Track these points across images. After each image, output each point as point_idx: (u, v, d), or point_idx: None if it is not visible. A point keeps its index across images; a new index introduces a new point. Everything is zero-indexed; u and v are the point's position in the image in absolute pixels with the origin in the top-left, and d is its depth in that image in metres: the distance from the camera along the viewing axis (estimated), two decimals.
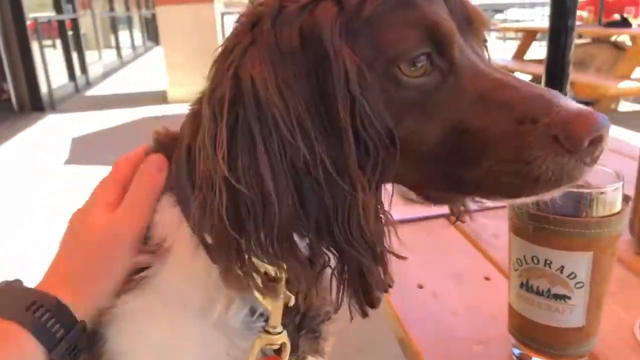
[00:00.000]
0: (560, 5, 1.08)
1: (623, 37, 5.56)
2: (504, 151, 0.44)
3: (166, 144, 0.58)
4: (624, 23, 5.27)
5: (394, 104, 0.45)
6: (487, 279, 0.79)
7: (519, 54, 6.59)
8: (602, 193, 0.52)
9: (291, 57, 0.44)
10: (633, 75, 5.05)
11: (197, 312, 0.54)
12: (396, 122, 0.46)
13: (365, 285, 0.47)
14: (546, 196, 0.46)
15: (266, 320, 0.56)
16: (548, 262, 0.53)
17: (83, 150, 4.50)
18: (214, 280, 0.53)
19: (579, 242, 0.51)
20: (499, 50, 9.89)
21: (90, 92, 7.76)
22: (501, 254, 0.84)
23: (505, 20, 13.42)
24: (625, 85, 4.63)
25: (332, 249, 0.46)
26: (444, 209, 1.01)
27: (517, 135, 0.44)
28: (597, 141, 0.43)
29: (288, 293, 0.54)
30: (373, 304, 0.49)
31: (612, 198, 0.52)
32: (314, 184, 0.43)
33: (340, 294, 0.48)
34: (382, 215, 0.49)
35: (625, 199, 0.54)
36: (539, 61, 6.49)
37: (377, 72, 0.45)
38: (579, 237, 0.51)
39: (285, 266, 0.46)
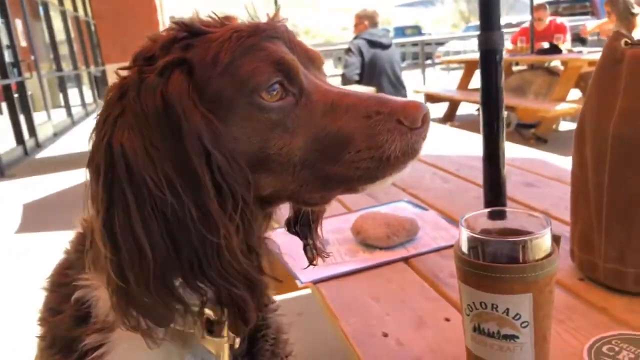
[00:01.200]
0: (487, 46, 1.18)
1: (555, 62, 5.93)
2: (360, 142, 0.56)
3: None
4: (554, 50, 5.64)
5: (262, 127, 0.56)
6: (447, 319, 0.83)
7: (463, 84, 6.89)
8: (534, 239, 0.57)
9: (155, 122, 0.51)
10: (569, 97, 5.38)
11: None
12: (266, 142, 0.56)
13: (241, 313, 0.54)
14: (396, 174, 0.58)
15: None
16: (494, 306, 0.58)
17: (35, 217, 4.36)
18: (164, 345, 0.58)
19: (518, 286, 0.56)
20: (443, 81, 10.32)
21: (40, 155, 7.56)
22: (459, 294, 0.89)
23: (447, 53, 14.03)
24: (562, 107, 4.92)
25: (206, 283, 0.52)
26: (401, 254, 1.07)
27: (367, 127, 0.56)
28: (425, 119, 0.57)
29: (231, 334, 0.60)
30: (247, 323, 0.55)
31: (542, 242, 0.58)
32: (184, 230, 0.50)
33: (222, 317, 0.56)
34: (254, 248, 0.55)
35: (556, 240, 0.60)
36: None
37: (242, 105, 0.55)
38: (518, 281, 0.56)
39: (165, 308, 0.52)
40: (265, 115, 0.56)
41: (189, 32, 0.57)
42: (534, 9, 6.34)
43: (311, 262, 0.73)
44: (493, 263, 0.57)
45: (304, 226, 0.72)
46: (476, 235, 0.59)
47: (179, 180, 0.50)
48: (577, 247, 0.91)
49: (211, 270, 0.51)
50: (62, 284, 0.64)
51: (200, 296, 0.53)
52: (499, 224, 0.65)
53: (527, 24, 6.53)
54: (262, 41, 0.57)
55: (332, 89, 0.60)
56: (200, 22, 0.59)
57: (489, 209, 0.66)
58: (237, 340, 0.61)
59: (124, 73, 0.56)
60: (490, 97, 1.20)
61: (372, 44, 5.12)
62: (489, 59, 1.20)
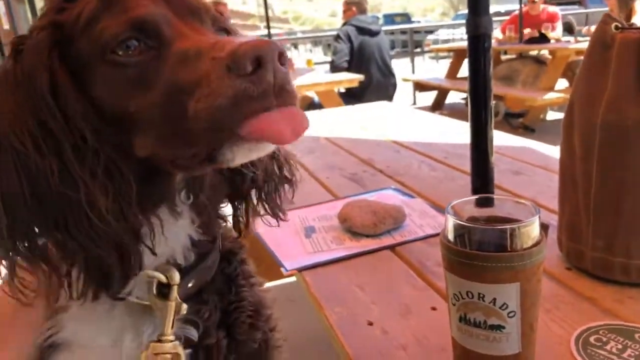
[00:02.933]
0: (476, 31, 1.16)
1: (543, 51, 5.94)
2: (198, 95, 0.47)
3: None
4: (543, 39, 5.64)
5: (119, 85, 0.52)
6: (433, 309, 0.82)
7: (452, 73, 6.87)
8: (522, 227, 0.56)
9: (23, 79, 0.51)
10: (557, 87, 5.39)
11: (108, 347, 0.58)
12: (128, 101, 0.51)
13: (103, 274, 0.53)
14: (245, 133, 0.46)
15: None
16: (481, 295, 0.56)
17: None
18: (118, 316, 0.58)
19: (506, 274, 0.55)
20: (432, 70, 10.30)
21: None
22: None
23: (437, 41, 14.00)
24: (550, 96, 4.93)
25: (71, 242, 0.50)
26: (388, 242, 1.05)
27: (204, 75, 0.47)
28: (263, 62, 0.45)
29: (179, 300, 0.58)
30: (110, 291, 0.55)
31: (530, 231, 0.56)
32: (48, 184, 0.49)
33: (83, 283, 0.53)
34: (129, 211, 0.52)
35: (544, 228, 0.59)
36: None
37: (96, 64, 0.52)
38: (505, 270, 0.55)
39: (29, 266, 0.51)
40: (122, 72, 0.52)
41: None
42: None
43: (240, 234, 0.71)
44: (480, 251, 0.56)
45: (233, 197, 0.68)
46: (462, 223, 0.58)
47: (41, 136, 0.49)
48: (564, 236, 0.90)
49: (75, 228, 0.50)
50: None
51: (64, 256, 0.51)
52: (486, 212, 0.64)
53: (517, 12, 6.51)
54: None
55: (198, 36, 0.53)
56: None
57: (476, 196, 0.64)
58: (184, 307, 0.59)
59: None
60: (479, 85, 1.19)
61: (361, 30, 5.08)
62: (477, 45, 1.18)
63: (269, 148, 0.52)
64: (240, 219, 0.69)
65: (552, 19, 6.30)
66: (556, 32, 6.01)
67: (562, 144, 0.90)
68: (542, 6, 6.34)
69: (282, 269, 0.98)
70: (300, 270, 0.97)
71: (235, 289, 0.67)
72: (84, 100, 0.52)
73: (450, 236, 0.59)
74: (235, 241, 0.71)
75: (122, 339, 0.58)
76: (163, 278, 0.58)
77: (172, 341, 0.58)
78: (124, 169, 0.52)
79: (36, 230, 0.51)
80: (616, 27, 0.81)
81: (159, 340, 0.57)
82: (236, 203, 0.69)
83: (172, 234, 0.58)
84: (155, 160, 0.53)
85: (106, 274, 0.52)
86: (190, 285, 0.61)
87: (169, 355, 0.57)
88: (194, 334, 0.61)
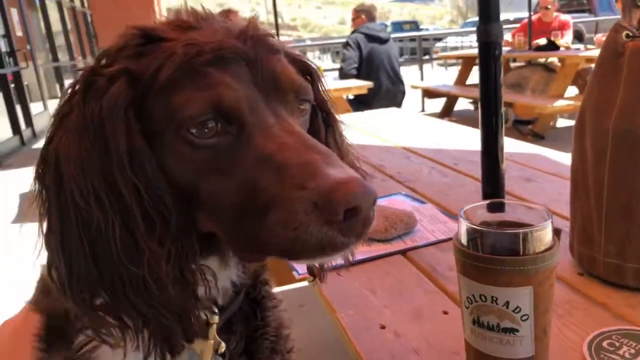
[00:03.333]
0: (486, 38, 1.17)
1: (552, 58, 5.92)
2: (278, 214, 0.45)
3: None
4: (552, 46, 5.63)
5: (190, 164, 0.49)
6: (445, 313, 0.82)
7: (460, 80, 6.88)
8: (535, 231, 0.56)
9: (95, 132, 0.47)
10: (566, 94, 5.38)
11: None
12: (197, 181, 0.49)
13: (167, 338, 0.52)
14: (320, 262, 0.53)
15: None
16: (494, 298, 0.57)
17: (32, 206, 4.34)
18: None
19: (519, 278, 0.56)
20: (441, 77, 10.30)
21: (37, 145, 7.53)
22: (457, 287, 0.88)
23: (445, 49, 14.00)
24: (559, 103, 4.92)
25: (130, 310, 0.48)
26: (399, 246, 1.06)
27: (288, 199, 0.45)
28: (356, 212, 0.43)
29: (218, 338, 0.59)
30: (173, 351, 0.55)
31: (544, 235, 0.57)
32: (108, 245, 0.47)
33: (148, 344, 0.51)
34: (187, 276, 0.50)
35: (557, 232, 0.59)
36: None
37: (169, 135, 0.49)
38: (518, 274, 0.56)
39: (89, 320, 0.51)
40: (195, 152, 0.49)
41: (144, 38, 0.52)
42: (541, 2, 6.32)
43: (314, 277, 0.70)
44: (493, 255, 0.56)
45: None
46: (476, 227, 0.59)
47: (107, 196, 0.47)
48: (576, 242, 0.91)
49: (136, 296, 0.48)
50: None
51: (123, 324, 0.50)
52: (498, 216, 0.65)
53: (534, 17, 6.48)
54: (208, 66, 0.49)
55: (280, 135, 0.49)
56: (170, 23, 0.54)
57: (488, 201, 0.65)
58: (222, 345, 0.60)
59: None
60: (489, 92, 1.19)
61: (370, 38, 5.10)
62: (488, 52, 1.19)
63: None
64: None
65: (563, 27, 6.29)
66: (565, 39, 5.99)
67: (574, 150, 0.91)
68: (554, 14, 6.33)
69: (295, 273, 0.99)
70: None
71: (260, 313, 0.68)
72: (157, 168, 0.49)
73: (464, 240, 0.60)
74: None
75: None
76: (204, 318, 0.58)
77: None
78: (190, 237, 0.51)
79: (89, 287, 0.49)
80: (627, 36, 0.82)
81: None
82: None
83: (219, 282, 0.57)
84: (215, 237, 0.54)
85: (167, 337, 0.52)
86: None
87: None
88: None
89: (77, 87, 0.51)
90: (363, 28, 5.13)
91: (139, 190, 0.48)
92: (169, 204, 0.49)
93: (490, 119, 1.20)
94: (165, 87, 0.49)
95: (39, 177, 0.50)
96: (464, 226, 0.60)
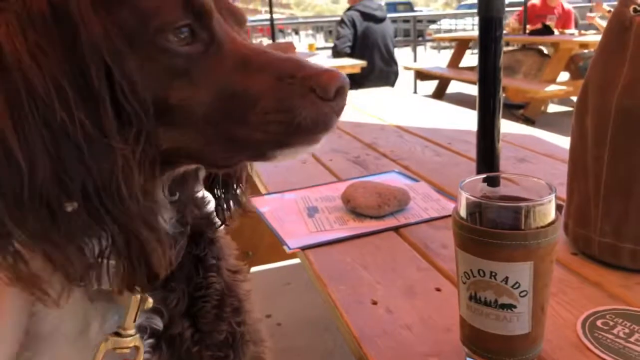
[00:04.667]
0: (488, 18, 1.14)
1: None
2: (268, 103, 0.50)
3: None
4: (547, 31, 5.60)
5: (163, 72, 0.49)
6: (438, 289, 0.81)
7: (454, 63, 6.84)
8: (537, 205, 0.55)
9: (42, 25, 0.44)
10: (558, 79, 5.37)
11: (74, 336, 0.54)
12: (167, 90, 0.49)
13: (144, 259, 0.47)
14: (308, 145, 0.53)
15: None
16: (493, 274, 0.55)
17: None
18: (80, 303, 0.53)
19: (520, 253, 0.54)
20: (434, 59, 10.25)
21: None
22: (450, 265, 0.87)
23: (439, 31, 13.92)
24: (551, 88, 4.91)
25: (105, 218, 0.44)
26: (392, 223, 1.04)
27: (279, 89, 0.51)
28: (341, 92, 0.52)
29: (143, 293, 0.54)
30: (153, 276, 0.49)
31: (546, 209, 0.55)
32: (75, 148, 0.43)
33: (119, 272, 0.47)
34: (151, 192, 0.49)
35: (559, 208, 0.58)
36: (472, 68, 6.77)
37: (143, 43, 0.47)
38: (519, 248, 0.54)
39: (36, 238, 0.43)
40: (169, 59, 0.49)
41: None
42: None
43: (223, 222, 0.68)
44: (495, 229, 0.54)
45: (217, 186, 0.67)
46: (477, 199, 0.57)
47: (72, 90, 0.43)
48: (572, 221, 0.90)
49: (109, 203, 0.44)
50: None
51: (98, 237, 0.45)
52: (497, 191, 0.63)
53: (536, 0, 6.42)
54: None
55: (248, 44, 0.54)
56: None
57: (488, 174, 0.63)
58: (150, 300, 0.55)
59: None
60: (488, 72, 1.17)
61: (366, 16, 5.02)
62: (489, 29, 1.16)
63: (309, 151, 0.55)
64: (224, 207, 0.67)
65: (566, 14, 6.26)
66: (572, 30, 5.96)
67: (574, 127, 0.89)
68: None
69: (285, 247, 0.97)
70: (304, 249, 0.95)
71: (202, 272, 0.63)
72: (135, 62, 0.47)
73: (463, 213, 0.58)
74: (207, 219, 0.66)
75: (87, 328, 0.54)
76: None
77: (132, 335, 0.55)
78: (156, 150, 0.48)
79: (60, 196, 0.43)
80: (635, 10, 0.79)
81: (119, 334, 0.54)
82: (216, 192, 0.67)
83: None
84: (174, 154, 0.51)
85: (145, 255, 0.47)
86: None
87: (127, 350, 0.54)
88: (158, 323, 0.58)
89: None
90: (359, 5, 5.04)
91: (112, 81, 0.45)
92: (148, 100, 0.47)
93: (488, 100, 1.17)
94: None
95: None
96: (464, 199, 0.58)
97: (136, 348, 0.55)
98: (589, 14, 5.95)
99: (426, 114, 2.20)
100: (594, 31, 5.88)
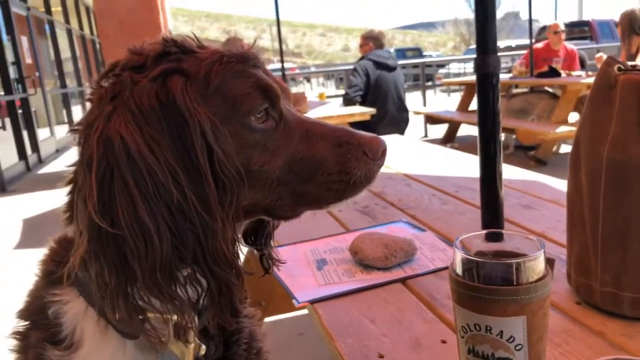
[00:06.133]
0: (484, 69, 1.20)
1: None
2: (331, 166, 0.66)
3: (59, 246, 0.66)
4: (553, 73, 5.69)
5: (247, 146, 0.61)
6: (443, 342, 0.83)
7: (463, 106, 6.93)
8: (527, 261, 0.58)
9: (152, 118, 0.54)
10: (570, 120, 5.41)
11: None
12: (250, 159, 0.61)
13: (230, 300, 0.57)
14: (356, 196, 0.68)
15: None
16: (488, 328, 0.58)
17: (34, 232, 4.35)
18: (130, 353, 0.60)
19: (512, 308, 0.57)
20: (444, 103, 10.39)
21: (42, 170, 7.59)
22: None
23: (448, 75, 14.14)
24: (561, 129, 4.95)
25: (206, 273, 0.55)
26: (399, 275, 1.07)
27: (339, 154, 0.66)
28: (384, 153, 0.69)
29: (198, 341, 0.62)
30: (237, 314, 0.59)
31: (536, 265, 0.58)
32: (187, 221, 0.53)
33: (211, 314, 0.57)
34: (237, 240, 0.61)
35: (549, 262, 0.61)
36: None
37: (233, 123, 0.60)
38: (511, 303, 0.57)
39: (168, 300, 0.53)
40: (252, 135, 0.62)
41: (179, 49, 0.61)
42: (551, 27, 6.41)
43: (267, 271, 0.78)
44: (487, 285, 0.57)
45: (260, 238, 0.76)
46: (470, 257, 0.60)
47: (183, 173, 0.53)
48: (573, 271, 0.91)
49: (210, 259, 0.54)
50: (38, 299, 0.64)
51: (199, 288, 0.55)
52: (494, 246, 0.66)
53: (539, 45, 6.56)
54: (249, 68, 0.63)
55: (305, 118, 0.69)
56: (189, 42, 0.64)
57: (483, 231, 0.66)
58: (203, 348, 0.63)
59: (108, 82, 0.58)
60: (487, 119, 1.22)
61: (379, 65, 5.14)
62: (486, 82, 1.22)
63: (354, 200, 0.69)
64: (267, 257, 0.77)
65: (570, 55, 6.36)
66: (577, 72, 6.04)
67: (569, 179, 0.92)
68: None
69: (294, 301, 1.00)
70: (312, 302, 0.98)
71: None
72: (229, 149, 0.58)
73: (459, 270, 0.61)
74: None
75: None
76: (178, 319, 0.58)
77: None
78: (240, 210, 0.59)
79: (178, 264, 0.53)
80: (619, 69, 0.84)
81: None
82: (259, 244, 0.76)
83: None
84: (250, 209, 0.64)
85: (231, 296, 0.57)
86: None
87: None
88: None
89: (110, 91, 0.56)
90: (372, 55, 5.17)
91: (212, 162, 0.55)
92: (241, 169, 0.58)
93: (489, 146, 1.22)
94: (220, 87, 0.59)
95: (99, 162, 0.51)
96: (459, 256, 0.61)
97: None
98: (597, 55, 6.03)
99: (433, 161, 2.24)
100: None
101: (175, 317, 0.57)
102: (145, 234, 0.50)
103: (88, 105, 0.58)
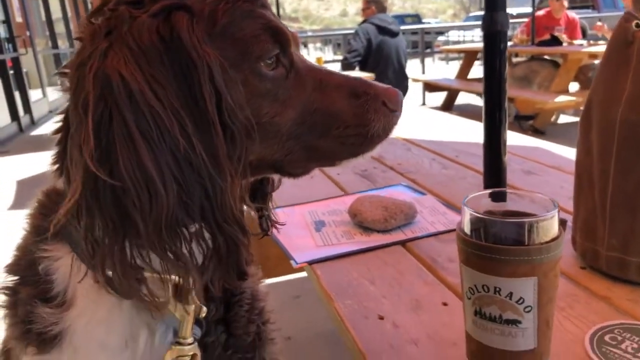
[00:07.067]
0: (492, 32, 1.15)
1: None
2: (348, 119, 0.60)
3: (48, 200, 0.61)
4: (555, 42, 5.60)
5: (256, 95, 0.55)
6: (444, 304, 0.81)
7: (462, 74, 6.84)
8: (540, 221, 0.55)
9: (154, 57, 0.47)
10: (571, 90, 5.35)
11: (120, 348, 0.55)
12: (259, 110, 0.55)
13: (236, 261, 0.51)
14: (372, 151, 0.63)
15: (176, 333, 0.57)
16: (497, 289, 0.55)
17: (29, 194, 4.32)
18: (127, 314, 0.55)
19: (523, 268, 0.54)
20: (442, 71, 10.26)
21: (35, 132, 7.49)
22: (457, 279, 0.87)
23: (447, 42, 13.95)
24: (560, 99, 4.89)
25: (214, 230, 0.49)
26: (399, 237, 1.05)
27: (356, 106, 0.61)
28: (401, 104, 0.64)
29: (198, 302, 0.57)
30: (244, 277, 0.53)
31: (549, 225, 0.55)
32: (195, 172, 0.47)
33: (214, 275, 0.51)
34: (244, 198, 0.56)
35: (562, 223, 0.58)
36: (481, 80, 6.72)
37: (242, 69, 0.53)
38: (523, 264, 0.54)
39: (172, 260, 0.47)
40: (262, 83, 0.55)
41: None
42: None
43: (266, 232, 0.72)
44: (498, 244, 0.55)
45: (258, 199, 0.71)
46: (480, 216, 0.57)
47: (189, 120, 0.47)
48: (579, 235, 0.89)
49: (219, 215, 0.48)
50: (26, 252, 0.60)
51: (204, 247, 0.49)
52: (501, 206, 0.63)
53: (541, 12, 6.42)
54: (257, 8, 0.56)
55: (316, 66, 0.63)
56: None
57: (492, 190, 0.64)
58: (204, 310, 0.58)
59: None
60: (493, 85, 1.18)
61: (381, 30, 5.00)
62: (494, 43, 1.17)
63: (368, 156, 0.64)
64: (266, 218, 0.71)
65: (572, 23, 6.24)
66: (579, 40, 5.93)
67: (579, 142, 0.89)
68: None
69: (292, 262, 0.98)
70: (311, 263, 0.96)
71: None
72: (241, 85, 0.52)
73: (467, 229, 0.58)
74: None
75: (135, 339, 0.56)
76: (178, 280, 0.54)
77: (190, 343, 0.57)
78: (247, 166, 0.53)
79: (185, 219, 0.47)
80: (637, 25, 0.80)
81: (179, 343, 0.56)
82: (260, 204, 0.71)
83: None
84: (257, 165, 0.58)
85: (238, 256, 0.52)
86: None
87: (187, 358, 0.57)
88: (197, 332, 0.60)
89: (105, 26, 0.48)
90: (375, 19, 5.01)
91: (220, 109, 0.49)
92: (252, 120, 0.52)
93: (494, 113, 1.18)
94: (227, 27, 0.53)
95: (97, 103, 0.44)
96: (467, 215, 0.58)
97: (194, 356, 0.58)
98: (597, 24, 5.92)
99: (434, 126, 2.21)
100: (603, 42, 5.85)
101: (174, 278, 0.52)
102: (149, 184, 0.44)
103: (77, 45, 0.52)
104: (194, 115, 0.47)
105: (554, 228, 0.56)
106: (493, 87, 1.17)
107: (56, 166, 0.56)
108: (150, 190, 0.44)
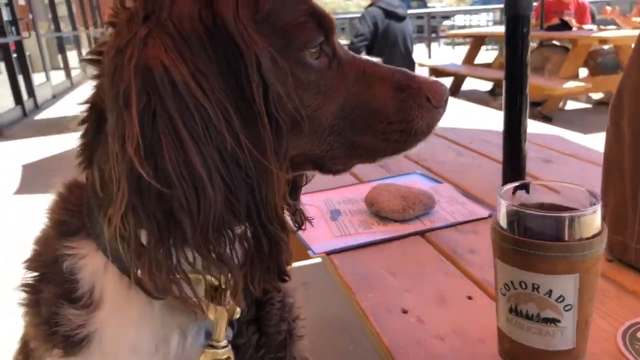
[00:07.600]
0: (515, 16, 1.11)
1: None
2: (392, 114, 0.57)
3: (70, 193, 0.58)
4: (564, 26, 5.50)
5: (299, 86, 0.51)
6: (469, 298, 0.79)
7: (469, 59, 6.75)
8: (582, 215, 0.52)
9: (197, 45, 0.43)
10: (580, 76, 5.27)
11: (150, 352, 0.52)
12: (302, 102, 0.51)
13: (277, 261, 0.48)
14: (414, 148, 0.60)
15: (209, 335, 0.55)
16: (535, 286, 0.53)
17: (33, 178, 4.31)
18: (159, 315, 0.52)
19: (564, 265, 0.52)
20: (448, 56, 10.15)
21: (39, 116, 7.46)
22: (480, 271, 0.85)
23: (453, 27, 13.79)
24: (569, 85, 4.82)
25: (259, 231, 0.46)
26: (418, 227, 1.02)
27: (400, 100, 0.57)
28: (447, 100, 0.60)
29: (232, 304, 0.54)
30: (284, 277, 0.50)
31: (591, 220, 0.53)
32: (242, 171, 0.44)
33: (255, 275, 0.48)
34: (287, 195, 0.52)
35: (603, 218, 0.55)
36: (488, 65, 6.67)
37: (287, 58, 0.49)
38: (563, 260, 0.52)
39: (216, 262, 0.44)
40: (305, 73, 0.52)
41: None
42: None
43: (300, 227, 0.69)
44: (537, 240, 0.52)
45: (292, 194, 0.67)
46: (518, 209, 0.54)
47: (235, 114, 0.43)
48: (607, 227, 0.86)
49: (264, 215, 0.45)
50: (47, 251, 0.57)
51: (247, 246, 0.47)
52: (532, 198, 0.60)
53: None
54: None
55: (358, 57, 0.59)
56: None
57: (528, 181, 0.61)
58: (238, 311, 0.56)
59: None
60: (515, 70, 1.14)
61: (388, 14, 4.91)
62: (516, 27, 1.13)
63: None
64: (300, 213, 0.69)
65: (581, 8, 6.14)
66: (589, 25, 5.83)
67: (609, 130, 0.86)
68: None
69: (310, 252, 0.95)
70: (329, 253, 0.94)
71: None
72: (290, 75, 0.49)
73: (503, 222, 0.56)
74: None
75: (167, 342, 0.53)
76: (215, 281, 0.52)
77: (224, 346, 0.55)
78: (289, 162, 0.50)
79: (231, 220, 0.44)
80: None
81: (212, 346, 0.54)
82: (293, 199, 0.68)
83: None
84: (298, 160, 0.54)
85: (280, 256, 0.49)
86: None
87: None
88: (229, 334, 0.58)
89: (142, 10, 0.45)
90: (382, 2, 4.90)
91: (267, 103, 0.46)
92: (301, 112, 0.50)
93: (515, 99, 1.15)
94: (269, 14, 0.49)
95: (139, 97, 0.41)
96: (503, 207, 0.55)
97: (227, 359, 0.55)
98: (608, 9, 5.81)
99: (446, 112, 2.17)
100: (613, 27, 5.76)
101: (211, 279, 0.50)
102: (197, 184, 0.41)
103: (109, 30, 0.47)
104: (240, 109, 0.44)
105: (596, 223, 0.53)
106: (515, 72, 1.14)
107: (81, 158, 0.52)
108: (198, 191, 0.41)
